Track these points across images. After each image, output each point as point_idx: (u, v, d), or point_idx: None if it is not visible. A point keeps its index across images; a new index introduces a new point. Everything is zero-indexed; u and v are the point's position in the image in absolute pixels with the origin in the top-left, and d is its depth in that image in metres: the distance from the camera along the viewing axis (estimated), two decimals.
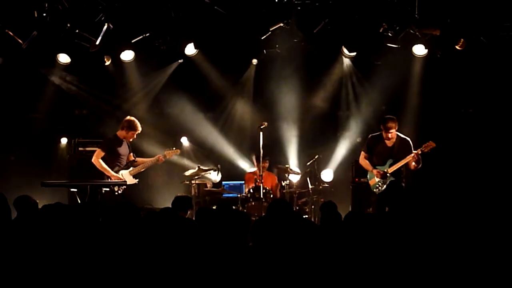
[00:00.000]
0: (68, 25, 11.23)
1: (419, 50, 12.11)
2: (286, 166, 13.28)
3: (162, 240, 5.24)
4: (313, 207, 12.66)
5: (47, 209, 5.77)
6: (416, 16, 11.03)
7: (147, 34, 11.86)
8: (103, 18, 11.22)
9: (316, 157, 13.01)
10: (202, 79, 13.88)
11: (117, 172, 10.81)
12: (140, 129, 10.99)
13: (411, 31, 11.40)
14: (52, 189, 12.23)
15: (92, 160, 10.85)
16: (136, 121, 11.01)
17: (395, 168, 10.69)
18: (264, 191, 11.94)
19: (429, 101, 13.51)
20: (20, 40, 11.22)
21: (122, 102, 14.02)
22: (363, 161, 11.03)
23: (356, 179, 12.58)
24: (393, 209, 10.58)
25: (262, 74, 14.14)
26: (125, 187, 10.71)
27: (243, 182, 13.66)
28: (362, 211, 11.24)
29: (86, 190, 10.63)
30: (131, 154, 11.13)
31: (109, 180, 10.68)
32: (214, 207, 11.39)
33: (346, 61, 13.70)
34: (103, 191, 10.43)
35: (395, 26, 11.39)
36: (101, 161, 10.75)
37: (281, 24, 11.48)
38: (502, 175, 12.44)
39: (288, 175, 13.05)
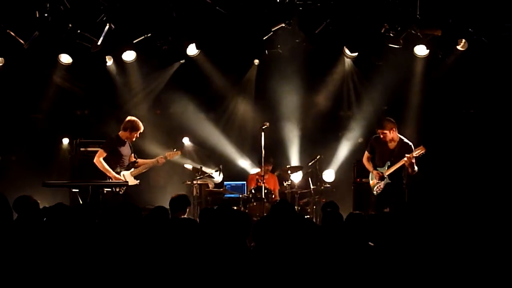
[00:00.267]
0: (70, 25, 11.21)
1: (421, 50, 12.11)
2: (288, 166, 13.29)
3: (164, 241, 5.24)
4: (314, 207, 12.64)
5: (48, 210, 5.79)
6: (418, 16, 11.01)
7: (149, 35, 11.85)
8: (104, 19, 11.22)
9: (317, 157, 13.00)
10: (203, 80, 13.88)
11: (118, 172, 10.82)
12: (142, 128, 11.02)
13: (413, 32, 11.38)
14: (54, 190, 12.23)
15: (94, 160, 10.87)
16: (138, 120, 11.04)
17: (391, 171, 10.77)
18: (265, 191, 11.93)
19: (430, 102, 13.49)
20: (21, 41, 11.22)
21: (124, 103, 14.00)
22: (366, 161, 11.25)
23: (358, 180, 12.59)
24: (390, 210, 10.63)
25: (264, 74, 14.14)
26: (126, 187, 10.72)
27: (245, 182, 13.65)
28: (363, 211, 11.24)
29: (88, 190, 10.63)
30: (133, 155, 11.14)
31: (110, 181, 10.69)
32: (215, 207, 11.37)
33: (348, 62, 13.69)
34: (105, 192, 10.44)
35: (396, 27, 11.38)
36: (103, 161, 10.77)
37: (283, 25, 11.48)
38: (503, 176, 12.42)
39: (290, 175, 13.04)
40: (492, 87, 12.84)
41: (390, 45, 11.63)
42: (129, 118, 11.12)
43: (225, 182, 13.50)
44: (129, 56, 12.62)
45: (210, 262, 4.91)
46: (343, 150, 14.16)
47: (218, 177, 12.83)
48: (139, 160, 11.23)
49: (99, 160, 10.78)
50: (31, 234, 5.32)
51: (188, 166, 12.80)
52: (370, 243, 5.66)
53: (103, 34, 11.27)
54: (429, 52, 12.07)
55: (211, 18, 11.44)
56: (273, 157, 13.19)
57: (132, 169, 11.04)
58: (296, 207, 12.24)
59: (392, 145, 10.92)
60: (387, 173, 10.84)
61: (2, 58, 12.55)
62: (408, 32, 11.38)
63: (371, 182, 11.16)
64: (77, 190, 11.08)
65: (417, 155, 10.62)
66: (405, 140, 10.92)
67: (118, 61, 12.80)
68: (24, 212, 6.83)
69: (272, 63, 13.52)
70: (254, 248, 5.39)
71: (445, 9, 11.08)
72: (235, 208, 11.74)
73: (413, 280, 4.96)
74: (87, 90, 14.16)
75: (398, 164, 10.73)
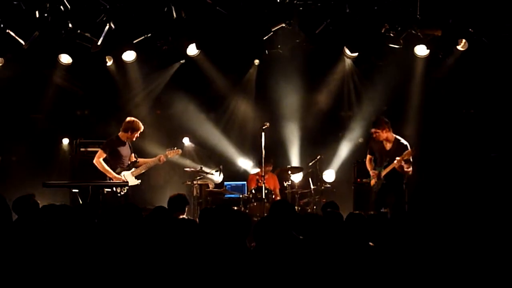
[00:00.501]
0: (70, 25, 11.21)
1: (421, 50, 12.10)
2: (288, 166, 13.29)
3: (164, 241, 5.24)
4: (315, 207, 12.64)
5: (48, 209, 5.78)
6: (418, 16, 11.01)
7: (149, 35, 11.84)
8: (104, 19, 11.21)
9: (318, 157, 13.01)
10: (204, 80, 13.88)
11: (119, 173, 10.82)
12: (142, 127, 11.03)
13: (413, 32, 11.37)
14: (54, 190, 12.22)
15: (94, 161, 10.87)
16: (138, 120, 11.05)
17: (386, 172, 10.82)
18: (266, 191, 11.92)
19: (430, 102, 13.49)
20: (21, 41, 11.22)
21: (124, 103, 14.01)
22: (367, 162, 11.33)
23: (358, 180, 12.59)
24: (389, 210, 10.65)
25: (264, 75, 14.14)
26: (127, 188, 10.72)
27: (245, 182, 13.66)
28: (364, 211, 11.24)
29: (88, 190, 10.63)
30: (133, 155, 11.14)
31: (110, 181, 10.69)
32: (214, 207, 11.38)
33: (348, 62, 13.68)
34: (105, 192, 10.44)
35: (396, 27, 11.38)
36: (102, 162, 10.76)
37: (283, 25, 11.47)
38: (504, 176, 12.41)
39: (290, 175, 13.05)
40: (492, 87, 12.84)
41: (391, 45, 11.63)
42: (128, 119, 11.11)
43: (225, 182, 13.51)
44: (129, 56, 12.61)
45: (210, 263, 4.90)
46: (344, 150, 14.16)
47: (218, 177, 12.83)
48: (140, 160, 11.23)
49: (99, 161, 10.79)
50: (30, 235, 5.31)
51: (188, 169, 12.78)
52: (370, 243, 5.65)
53: (103, 34, 11.26)
54: (430, 52, 12.06)
55: (211, 18, 11.43)
56: (273, 157, 13.19)
57: (133, 169, 11.04)
58: (296, 207, 12.25)
59: (388, 145, 10.96)
60: (383, 174, 10.90)
61: (2, 58, 12.52)
62: (408, 32, 11.37)
63: (371, 182, 11.20)
64: (77, 190, 11.08)
65: (405, 158, 10.60)
66: (401, 140, 10.91)
67: (118, 61, 12.78)
68: (24, 212, 6.83)
69: (273, 63, 13.51)
70: (255, 248, 5.39)
71: (445, 9, 11.07)
72: (235, 208, 11.75)
73: (413, 280, 4.96)
74: (87, 90, 14.18)
75: (391, 166, 10.76)
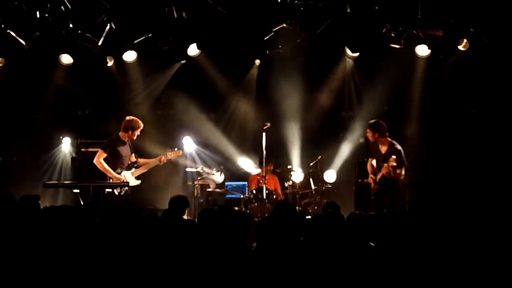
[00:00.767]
0: (71, 25, 11.23)
1: (422, 50, 12.09)
2: (289, 167, 13.28)
3: (164, 241, 5.23)
4: (316, 207, 12.64)
5: (49, 210, 5.76)
6: (419, 16, 11.01)
7: (150, 35, 11.85)
8: (105, 19, 11.22)
9: (319, 157, 13.01)
10: (204, 80, 13.87)
11: (119, 173, 10.81)
12: (142, 125, 11.02)
13: (414, 32, 11.38)
14: (55, 190, 12.25)
15: (94, 161, 10.86)
16: (136, 119, 11.04)
17: (379, 177, 10.89)
18: (267, 192, 11.91)
19: (432, 102, 13.48)
20: (22, 41, 11.22)
21: (125, 103, 14.00)
22: (368, 165, 11.42)
23: (359, 180, 12.59)
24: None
25: (265, 75, 14.13)
26: (127, 188, 10.71)
27: (246, 183, 13.65)
28: (365, 211, 11.26)
29: (89, 191, 10.62)
30: (133, 155, 11.13)
31: (111, 181, 10.69)
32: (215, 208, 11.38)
33: (349, 62, 13.68)
34: (106, 192, 10.43)
35: (398, 27, 11.38)
36: (103, 162, 10.76)
37: (284, 25, 11.47)
38: (505, 176, 12.40)
39: (291, 176, 13.04)
40: (493, 87, 12.83)
41: (392, 45, 11.63)
42: (128, 118, 11.10)
43: (226, 183, 13.51)
44: (130, 56, 12.61)
45: (211, 263, 4.90)
46: (345, 150, 14.14)
47: (219, 177, 12.83)
48: (140, 160, 11.22)
49: (99, 161, 10.78)
50: (31, 235, 5.31)
51: (189, 169, 12.78)
52: (371, 243, 5.64)
53: (104, 35, 11.28)
54: (431, 52, 12.06)
55: (212, 18, 11.43)
56: (274, 157, 13.19)
57: (133, 169, 11.03)
58: (297, 208, 12.26)
59: (383, 149, 11.01)
60: (378, 178, 10.98)
61: (3, 59, 12.52)
62: (409, 32, 11.38)
63: (371, 185, 11.29)
64: (78, 190, 11.07)
65: (390, 165, 10.64)
66: (395, 145, 10.95)
67: (119, 61, 12.77)
68: (25, 212, 6.83)
69: (273, 63, 13.50)
70: (256, 248, 5.38)
71: (446, 9, 11.07)
72: (236, 208, 11.75)
73: (414, 281, 4.95)
74: (88, 91, 14.17)
75: (381, 172, 10.86)
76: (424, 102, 13.48)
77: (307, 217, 11.85)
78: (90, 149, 12.70)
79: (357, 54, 12.76)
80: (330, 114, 14.46)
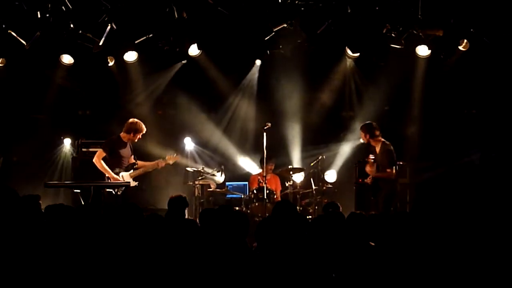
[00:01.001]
0: (71, 25, 11.23)
1: (422, 50, 12.08)
2: (290, 167, 13.29)
3: (165, 241, 5.24)
4: (316, 207, 12.64)
5: (50, 210, 5.78)
6: (419, 17, 11.01)
7: (151, 35, 11.84)
8: (106, 19, 11.23)
9: (319, 157, 13.01)
10: (205, 80, 13.88)
11: (117, 173, 10.80)
12: (144, 129, 11.01)
13: (414, 32, 11.38)
14: (55, 190, 12.25)
15: (93, 160, 10.86)
16: (140, 122, 11.03)
17: (371, 178, 10.99)
18: (267, 192, 11.92)
19: (432, 102, 13.49)
20: (23, 41, 11.23)
21: (126, 103, 14.02)
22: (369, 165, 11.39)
23: (360, 180, 12.56)
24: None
25: (266, 75, 14.15)
26: (124, 188, 10.71)
27: (247, 183, 13.66)
28: (365, 211, 11.28)
29: (90, 191, 10.63)
30: (132, 156, 11.13)
31: (110, 181, 10.69)
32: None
33: (350, 62, 13.68)
34: (104, 192, 10.45)
35: (398, 27, 11.38)
36: (102, 161, 10.76)
37: (285, 25, 11.48)
38: (505, 176, 12.42)
39: (292, 176, 13.04)
40: (493, 87, 12.84)
41: (392, 45, 11.63)
42: (132, 120, 11.10)
43: (226, 183, 13.52)
44: (130, 56, 12.59)
45: (211, 262, 4.91)
46: (345, 150, 14.16)
47: (220, 177, 12.83)
48: (139, 162, 11.21)
49: (99, 160, 10.78)
50: (32, 235, 5.32)
51: (190, 169, 12.80)
52: (371, 243, 5.66)
53: (105, 35, 11.28)
54: (431, 52, 12.05)
55: (213, 19, 11.43)
56: (275, 157, 13.20)
57: (131, 171, 11.02)
58: (298, 208, 12.26)
59: (378, 149, 11.02)
60: (370, 179, 11.07)
61: (4, 59, 12.53)
62: (409, 32, 11.38)
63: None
64: (79, 190, 11.08)
65: (373, 175, 10.93)
66: (387, 145, 10.92)
67: (120, 61, 12.78)
68: (26, 212, 6.83)
69: (274, 63, 13.50)
70: (256, 248, 5.40)
71: (446, 10, 11.08)
72: (237, 208, 11.76)
73: (414, 280, 4.96)
74: (89, 91, 14.18)
75: (368, 180, 11.03)
76: (425, 102, 13.50)
77: (307, 217, 11.89)
78: (91, 149, 12.66)
79: (357, 54, 12.76)
80: (331, 114, 14.46)
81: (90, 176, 11.06)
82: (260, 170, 12.87)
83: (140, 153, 11.70)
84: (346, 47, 12.53)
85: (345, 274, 4.98)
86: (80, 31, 11.35)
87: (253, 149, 14.18)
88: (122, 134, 10.99)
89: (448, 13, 11.14)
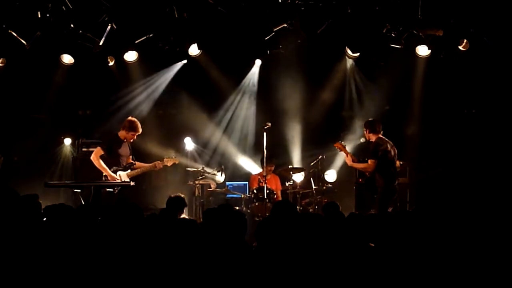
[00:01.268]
0: (72, 25, 11.24)
1: (422, 50, 12.09)
2: (290, 167, 13.29)
3: (165, 241, 5.25)
4: (316, 207, 12.64)
5: (51, 210, 5.78)
6: (419, 17, 11.02)
7: (151, 35, 11.85)
8: (106, 19, 11.24)
9: (319, 157, 13.01)
10: (205, 80, 13.88)
11: (114, 172, 10.80)
12: (140, 130, 10.99)
13: (414, 32, 11.40)
14: (56, 190, 12.24)
15: (91, 157, 10.86)
16: (137, 122, 11.02)
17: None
18: (267, 191, 11.93)
19: (432, 102, 13.50)
20: (23, 41, 11.24)
21: (126, 103, 14.01)
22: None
23: (360, 180, 12.58)
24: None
25: (266, 75, 14.15)
26: (121, 188, 10.71)
27: (247, 182, 13.66)
28: (365, 211, 11.29)
29: (90, 190, 10.63)
30: (131, 156, 11.12)
31: (108, 180, 10.69)
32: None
33: (350, 62, 13.69)
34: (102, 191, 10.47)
35: (398, 27, 11.40)
36: (100, 159, 10.76)
37: (285, 25, 11.49)
38: (505, 176, 12.42)
39: (292, 175, 13.05)
40: (493, 87, 12.84)
41: (392, 45, 11.64)
42: (129, 118, 11.12)
43: (227, 182, 13.51)
44: (131, 56, 12.60)
45: (211, 262, 4.91)
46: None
47: (220, 177, 12.84)
48: (137, 163, 11.19)
49: (96, 158, 10.78)
50: (32, 234, 5.32)
51: (190, 169, 12.81)
52: (370, 243, 5.66)
53: (105, 35, 11.29)
54: (431, 52, 12.05)
55: (213, 18, 11.44)
56: (275, 157, 13.20)
57: (129, 171, 11.01)
58: (298, 207, 12.27)
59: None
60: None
61: (4, 59, 12.53)
62: (409, 32, 11.40)
63: None
64: (79, 190, 11.08)
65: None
66: (377, 140, 10.91)
67: (120, 61, 12.78)
68: (27, 212, 6.84)
69: (274, 63, 13.51)
70: (256, 248, 5.40)
71: (446, 10, 11.09)
72: (237, 208, 11.77)
73: (414, 281, 4.96)
74: (89, 91, 14.17)
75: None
76: (425, 102, 13.50)
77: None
78: (91, 149, 12.61)
79: (357, 54, 12.77)
80: (331, 114, 14.46)
81: (90, 176, 11.07)
82: (260, 170, 12.87)
83: (141, 153, 11.71)
84: (346, 47, 12.54)
85: (344, 275, 4.98)
86: (80, 31, 11.36)
87: (254, 149, 14.18)
88: (120, 132, 11.00)
89: (448, 13, 11.15)
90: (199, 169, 12.59)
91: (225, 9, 11.25)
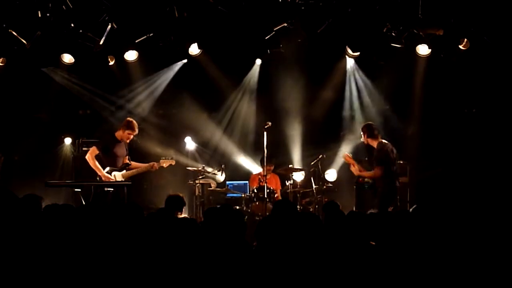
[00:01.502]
0: (72, 25, 11.24)
1: (423, 50, 12.07)
2: (290, 166, 13.29)
3: (165, 240, 5.25)
4: (317, 206, 12.64)
5: (51, 209, 5.79)
6: (420, 16, 11.02)
7: (151, 34, 11.85)
8: (106, 18, 11.24)
9: (320, 157, 12.99)
10: (206, 79, 13.88)
11: (109, 172, 10.79)
12: (137, 131, 11.01)
13: (415, 31, 11.39)
14: (56, 189, 12.24)
15: (86, 156, 10.88)
16: (135, 122, 11.04)
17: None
18: (268, 191, 11.93)
19: (432, 101, 13.49)
20: (24, 40, 11.24)
21: (126, 102, 14.03)
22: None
23: (360, 179, 12.59)
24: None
25: (266, 74, 14.15)
26: (118, 187, 10.71)
27: (247, 182, 13.66)
28: (365, 211, 11.30)
29: (90, 190, 10.64)
30: (127, 157, 11.11)
31: (102, 180, 10.69)
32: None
33: (350, 61, 13.69)
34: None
35: (398, 26, 11.40)
36: (94, 159, 10.77)
37: (285, 24, 11.49)
38: (505, 175, 12.41)
39: (292, 175, 13.04)
40: (494, 86, 12.84)
41: (392, 44, 11.64)
42: (128, 118, 11.15)
43: (227, 182, 13.51)
44: (131, 55, 12.59)
45: (212, 261, 4.91)
46: (345, 149, 14.11)
47: (220, 176, 12.84)
48: (133, 163, 11.20)
49: (91, 157, 10.81)
50: (32, 234, 5.33)
51: (190, 169, 12.81)
52: (371, 242, 5.66)
53: (105, 34, 11.29)
54: (431, 51, 12.04)
55: (213, 18, 11.44)
56: (275, 156, 13.20)
57: (124, 171, 11.00)
58: (298, 207, 12.27)
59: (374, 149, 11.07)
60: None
61: (4, 58, 12.53)
62: (410, 31, 11.39)
63: None
64: (80, 190, 11.09)
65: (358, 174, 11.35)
66: (380, 145, 10.90)
67: (120, 60, 12.78)
68: (27, 211, 6.84)
69: (274, 62, 13.51)
70: (256, 247, 5.41)
71: (447, 9, 11.08)
72: (237, 207, 11.79)
73: (414, 280, 4.96)
74: (90, 90, 14.17)
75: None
76: (425, 101, 13.49)
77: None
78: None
79: (358, 54, 12.76)
80: (331, 113, 14.46)
81: (90, 176, 11.08)
82: (261, 169, 12.87)
83: (141, 152, 11.72)
84: (347, 46, 12.53)
85: (345, 274, 4.98)
86: (81, 30, 11.36)
87: (254, 148, 14.18)
88: (117, 132, 11.02)
89: (448, 12, 11.14)
90: (200, 168, 12.59)
91: (226, 8, 11.25)
